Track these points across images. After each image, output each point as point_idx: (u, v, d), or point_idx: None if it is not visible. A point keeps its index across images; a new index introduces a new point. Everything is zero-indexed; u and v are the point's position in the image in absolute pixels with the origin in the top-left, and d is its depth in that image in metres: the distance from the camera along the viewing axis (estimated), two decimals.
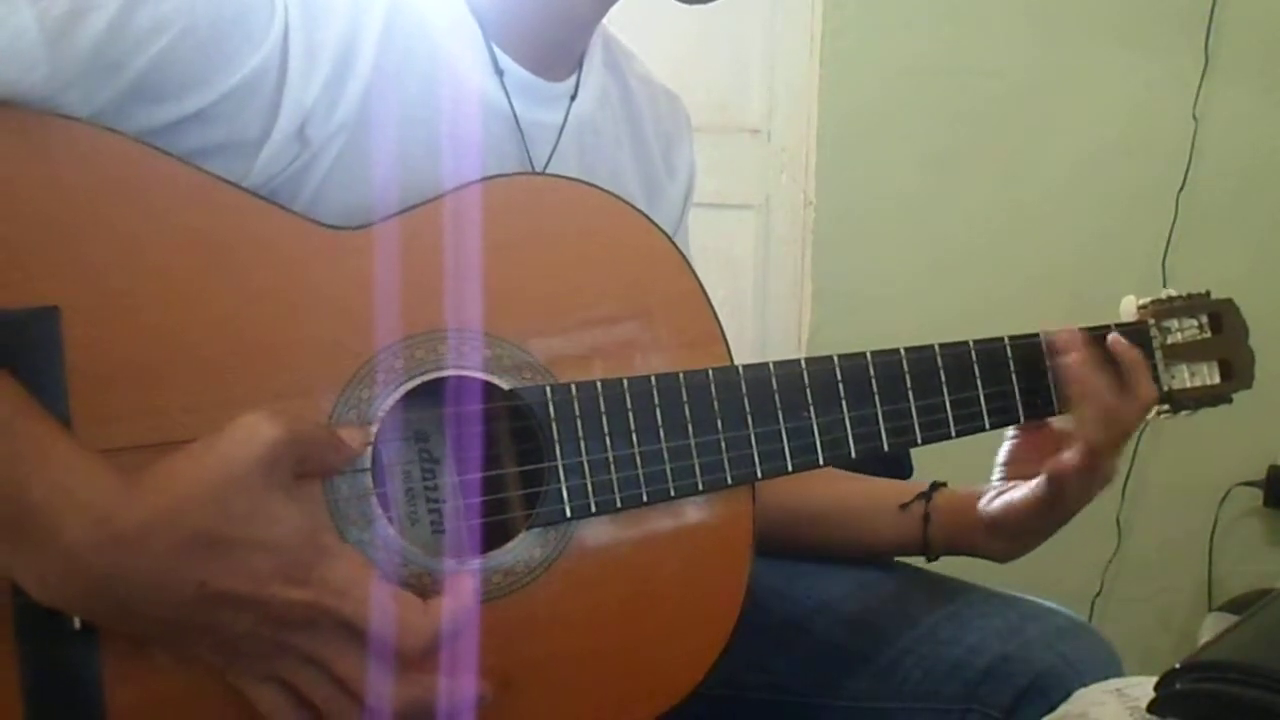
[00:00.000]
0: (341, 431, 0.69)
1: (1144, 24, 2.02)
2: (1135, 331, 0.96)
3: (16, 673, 0.63)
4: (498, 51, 0.83)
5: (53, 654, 0.63)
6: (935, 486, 0.99)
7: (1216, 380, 1.00)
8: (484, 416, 0.75)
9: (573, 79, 0.89)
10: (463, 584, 0.68)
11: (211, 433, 0.63)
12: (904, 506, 0.99)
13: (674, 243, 0.81)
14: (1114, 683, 0.74)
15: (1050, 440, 0.95)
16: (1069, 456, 0.87)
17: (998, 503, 0.93)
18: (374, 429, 0.70)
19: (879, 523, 1.00)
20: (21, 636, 0.63)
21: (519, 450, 0.77)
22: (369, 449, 0.70)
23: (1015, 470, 0.96)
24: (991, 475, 0.97)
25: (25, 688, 0.63)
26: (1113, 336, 0.92)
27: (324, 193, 0.75)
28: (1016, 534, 0.93)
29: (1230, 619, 1.22)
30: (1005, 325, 0.91)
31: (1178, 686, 0.61)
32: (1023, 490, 0.92)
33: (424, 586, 0.71)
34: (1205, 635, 2.03)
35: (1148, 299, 1.00)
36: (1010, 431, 0.97)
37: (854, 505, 1.01)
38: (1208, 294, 1.02)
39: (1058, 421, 0.94)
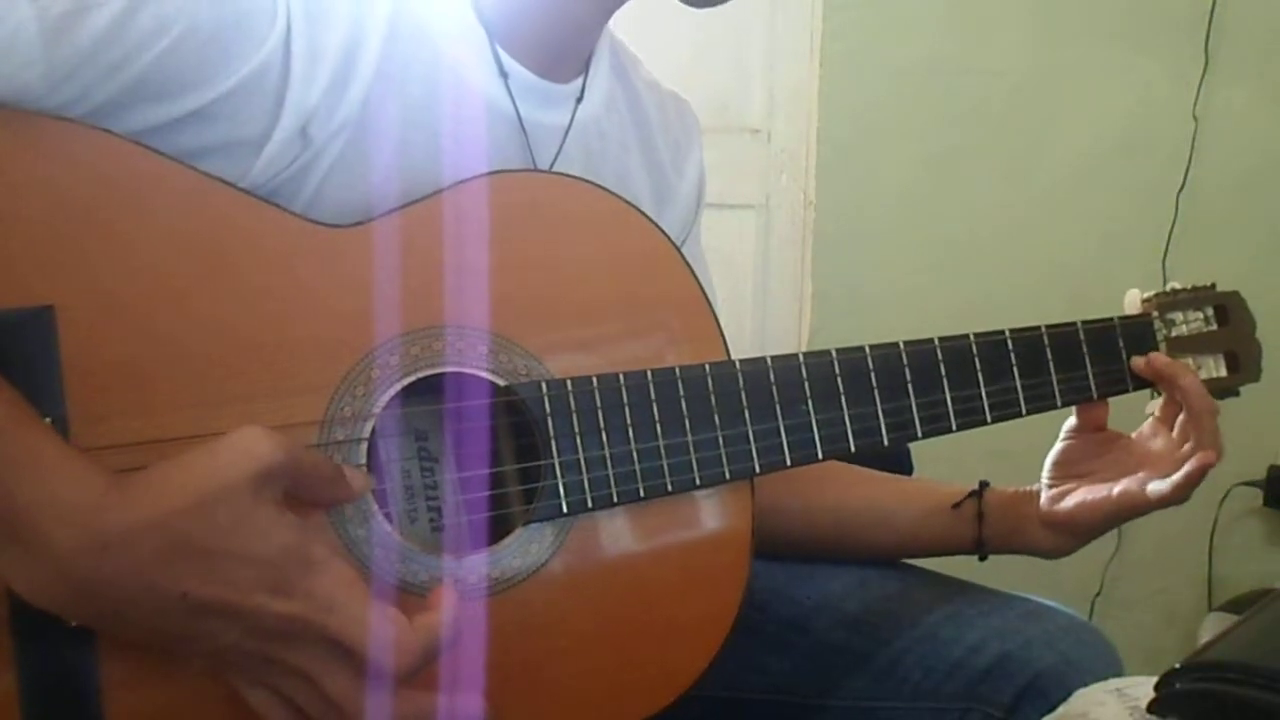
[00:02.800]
0: (346, 470, 0.68)
1: (1144, 24, 2.02)
2: (1138, 324, 0.97)
3: (15, 673, 0.63)
4: (502, 54, 0.83)
5: (50, 654, 0.63)
6: (984, 485, 0.99)
7: (1223, 373, 1.00)
8: (481, 413, 0.75)
9: (579, 81, 0.89)
10: (446, 599, 0.67)
11: (207, 428, 0.63)
12: (956, 506, 0.99)
13: (673, 242, 0.81)
14: (1114, 682, 0.74)
15: (1108, 444, 0.97)
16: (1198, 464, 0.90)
17: (1070, 502, 0.94)
18: (369, 474, 0.70)
19: (928, 524, 1.00)
20: (19, 637, 0.63)
21: (518, 447, 0.77)
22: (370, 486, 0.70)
23: (1069, 470, 0.97)
24: (1042, 474, 0.98)
25: (23, 688, 0.63)
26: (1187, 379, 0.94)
27: (324, 192, 0.75)
28: (1082, 532, 0.95)
29: (1230, 619, 1.22)
30: (1005, 325, 0.91)
31: (1178, 686, 0.61)
32: (1102, 492, 0.93)
33: (421, 585, 0.70)
34: (1205, 635, 2.03)
35: (1152, 292, 1.00)
36: (1063, 433, 0.98)
37: (894, 507, 1.01)
38: (1213, 286, 1.01)
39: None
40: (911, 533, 1.01)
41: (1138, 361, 0.95)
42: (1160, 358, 0.95)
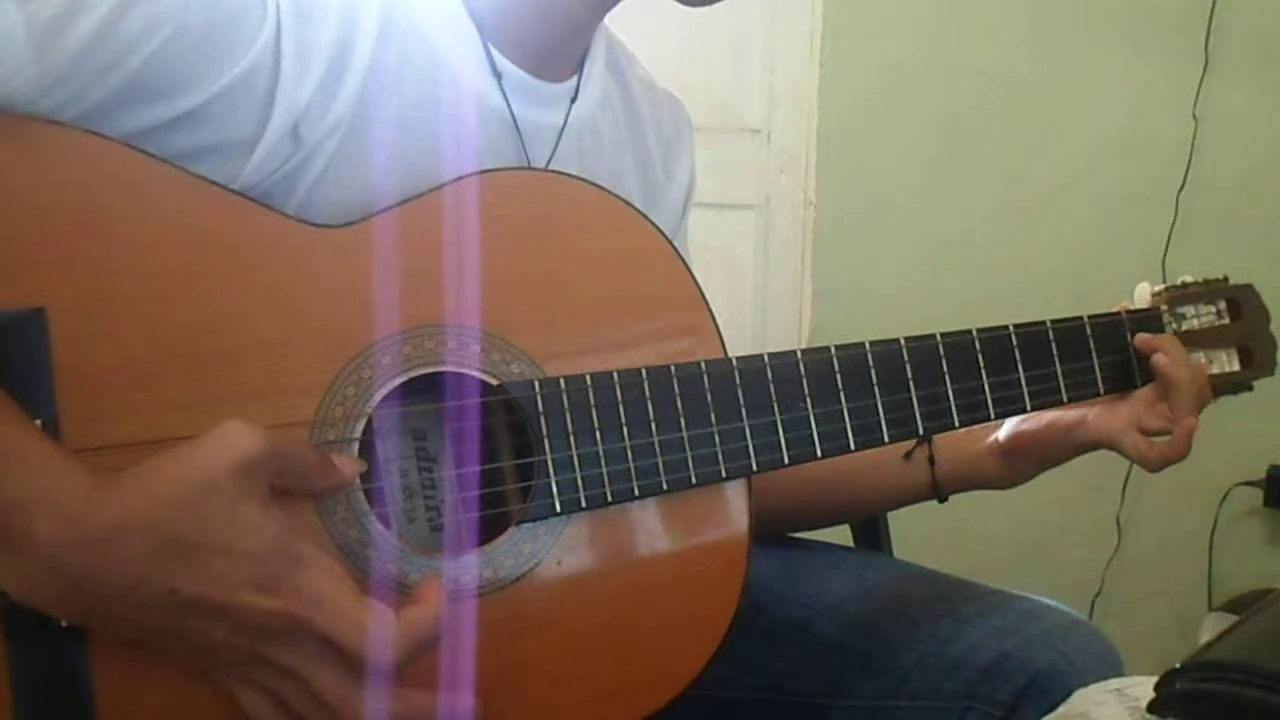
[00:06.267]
0: (335, 458, 0.68)
1: (1144, 24, 2.02)
2: (1147, 318, 0.96)
3: (6, 670, 0.63)
4: (495, 53, 0.83)
5: (41, 652, 0.63)
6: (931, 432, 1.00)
7: (1236, 367, 0.99)
8: (475, 412, 0.75)
9: (573, 80, 0.88)
10: (434, 593, 0.67)
11: (199, 430, 0.62)
12: (907, 455, 1.00)
13: (669, 240, 0.81)
14: (1114, 683, 0.74)
15: None
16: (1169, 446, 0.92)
17: (1042, 420, 0.95)
18: (359, 459, 0.70)
19: (885, 476, 1.01)
20: (10, 634, 0.63)
21: (514, 446, 0.77)
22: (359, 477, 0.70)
23: None
24: None
25: (14, 686, 0.63)
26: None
27: (319, 192, 0.75)
28: (1045, 456, 0.96)
29: (1230, 619, 1.22)
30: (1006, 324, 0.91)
31: (1178, 686, 0.61)
32: (1076, 416, 0.94)
33: (414, 585, 0.70)
34: (1205, 635, 2.02)
35: (1162, 286, 0.99)
36: None
37: (855, 466, 1.01)
38: (1225, 279, 1.00)
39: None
40: (876, 487, 1.02)
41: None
42: (1144, 337, 0.94)
